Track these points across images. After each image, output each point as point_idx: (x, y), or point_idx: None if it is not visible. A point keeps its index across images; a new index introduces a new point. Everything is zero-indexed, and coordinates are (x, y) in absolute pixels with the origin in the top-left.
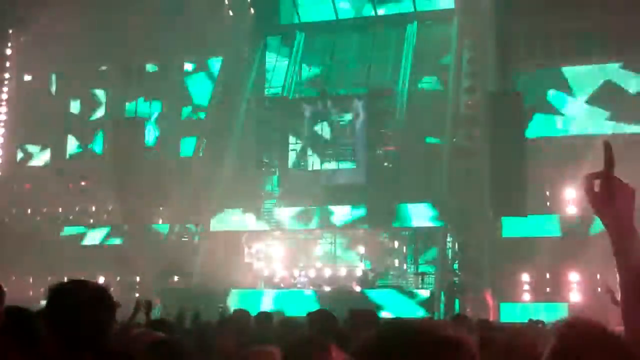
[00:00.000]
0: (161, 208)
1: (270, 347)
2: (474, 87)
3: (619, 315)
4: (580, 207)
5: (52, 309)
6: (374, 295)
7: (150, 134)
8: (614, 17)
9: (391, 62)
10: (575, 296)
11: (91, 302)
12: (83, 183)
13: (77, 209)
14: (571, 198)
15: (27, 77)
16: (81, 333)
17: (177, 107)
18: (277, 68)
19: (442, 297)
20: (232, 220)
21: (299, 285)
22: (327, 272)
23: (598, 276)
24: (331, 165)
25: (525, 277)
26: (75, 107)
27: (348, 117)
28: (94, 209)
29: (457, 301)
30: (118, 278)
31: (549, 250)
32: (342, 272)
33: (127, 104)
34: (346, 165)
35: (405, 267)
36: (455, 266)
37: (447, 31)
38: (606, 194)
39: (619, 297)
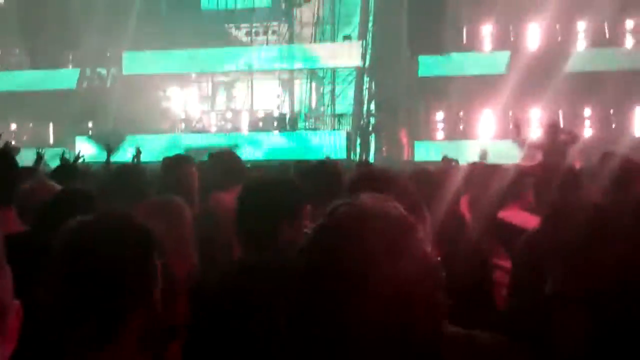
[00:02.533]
0: (70, 56)
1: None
2: None
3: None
4: (496, 44)
5: None
6: (289, 137)
7: None
8: None
9: None
10: (489, 134)
11: None
12: None
13: None
14: (488, 33)
15: None
16: None
17: None
18: None
19: (358, 138)
20: (146, 62)
21: (215, 129)
22: (245, 115)
23: (510, 113)
24: (249, 4)
25: (439, 116)
26: None
27: None
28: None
29: (372, 140)
30: (31, 124)
31: (464, 89)
32: (260, 115)
33: None
34: (262, 3)
35: (322, 109)
36: (372, 106)
37: None
38: None
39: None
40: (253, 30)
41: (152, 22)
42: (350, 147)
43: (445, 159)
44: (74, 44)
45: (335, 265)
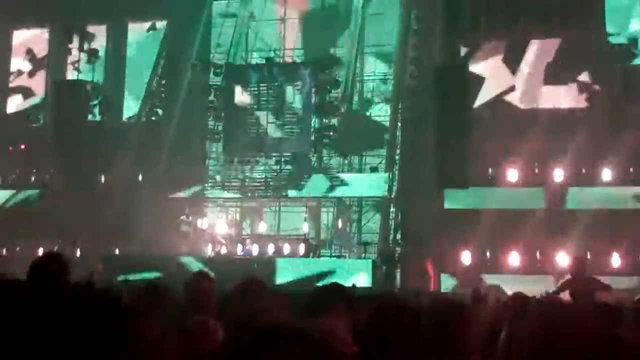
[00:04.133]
0: (103, 177)
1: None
2: (419, 58)
3: None
4: (521, 181)
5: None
6: (317, 264)
7: (92, 98)
8: None
9: (340, 31)
10: (514, 267)
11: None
12: (23, 147)
13: (17, 171)
14: (513, 170)
15: None
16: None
17: (120, 71)
18: (223, 34)
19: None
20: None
21: (241, 254)
22: (271, 241)
23: (537, 252)
24: (277, 134)
25: (465, 248)
26: (15, 65)
27: (294, 85)
28: (34, 171)
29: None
30: (60, 241)
31: (490, 222)
32: (286, 241)
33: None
34: (291, 134)
35: (348, 237)
36: (398, 236)
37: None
38: None
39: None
40: (282, 159)
41: (185, 149)
42: (375, 276)
43: (475, 289)
44: (107, 168)
45: None
